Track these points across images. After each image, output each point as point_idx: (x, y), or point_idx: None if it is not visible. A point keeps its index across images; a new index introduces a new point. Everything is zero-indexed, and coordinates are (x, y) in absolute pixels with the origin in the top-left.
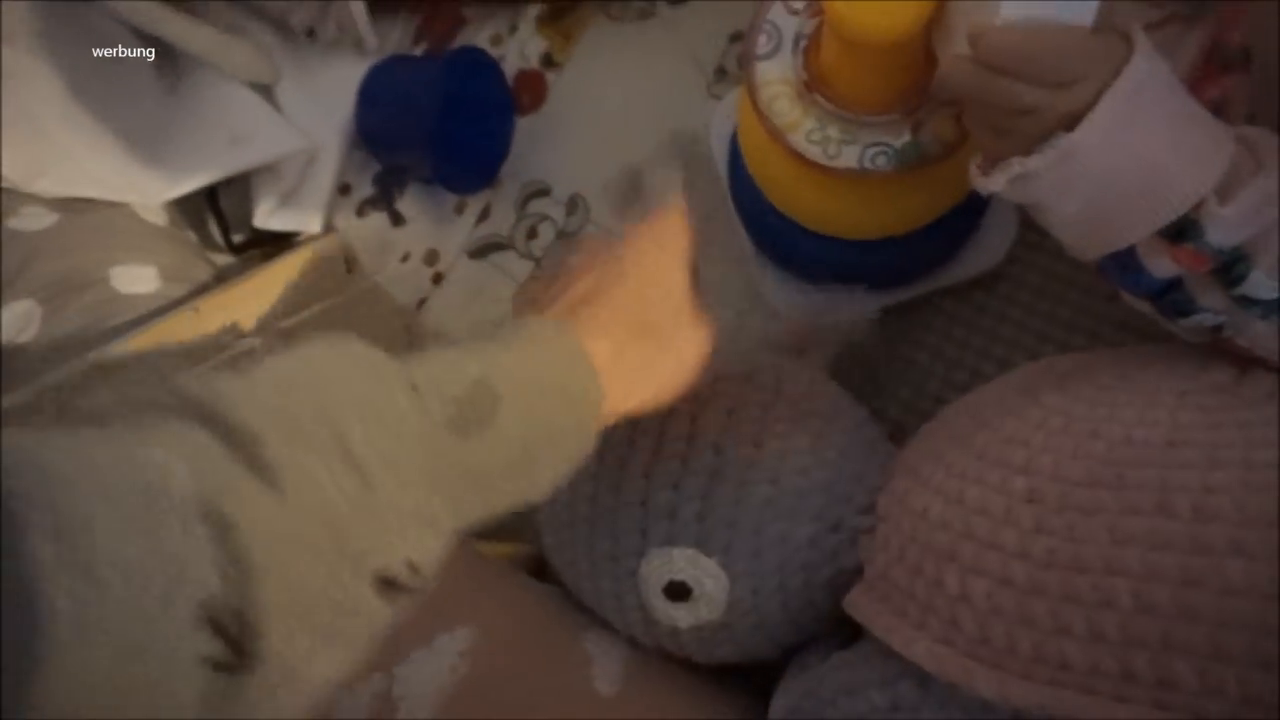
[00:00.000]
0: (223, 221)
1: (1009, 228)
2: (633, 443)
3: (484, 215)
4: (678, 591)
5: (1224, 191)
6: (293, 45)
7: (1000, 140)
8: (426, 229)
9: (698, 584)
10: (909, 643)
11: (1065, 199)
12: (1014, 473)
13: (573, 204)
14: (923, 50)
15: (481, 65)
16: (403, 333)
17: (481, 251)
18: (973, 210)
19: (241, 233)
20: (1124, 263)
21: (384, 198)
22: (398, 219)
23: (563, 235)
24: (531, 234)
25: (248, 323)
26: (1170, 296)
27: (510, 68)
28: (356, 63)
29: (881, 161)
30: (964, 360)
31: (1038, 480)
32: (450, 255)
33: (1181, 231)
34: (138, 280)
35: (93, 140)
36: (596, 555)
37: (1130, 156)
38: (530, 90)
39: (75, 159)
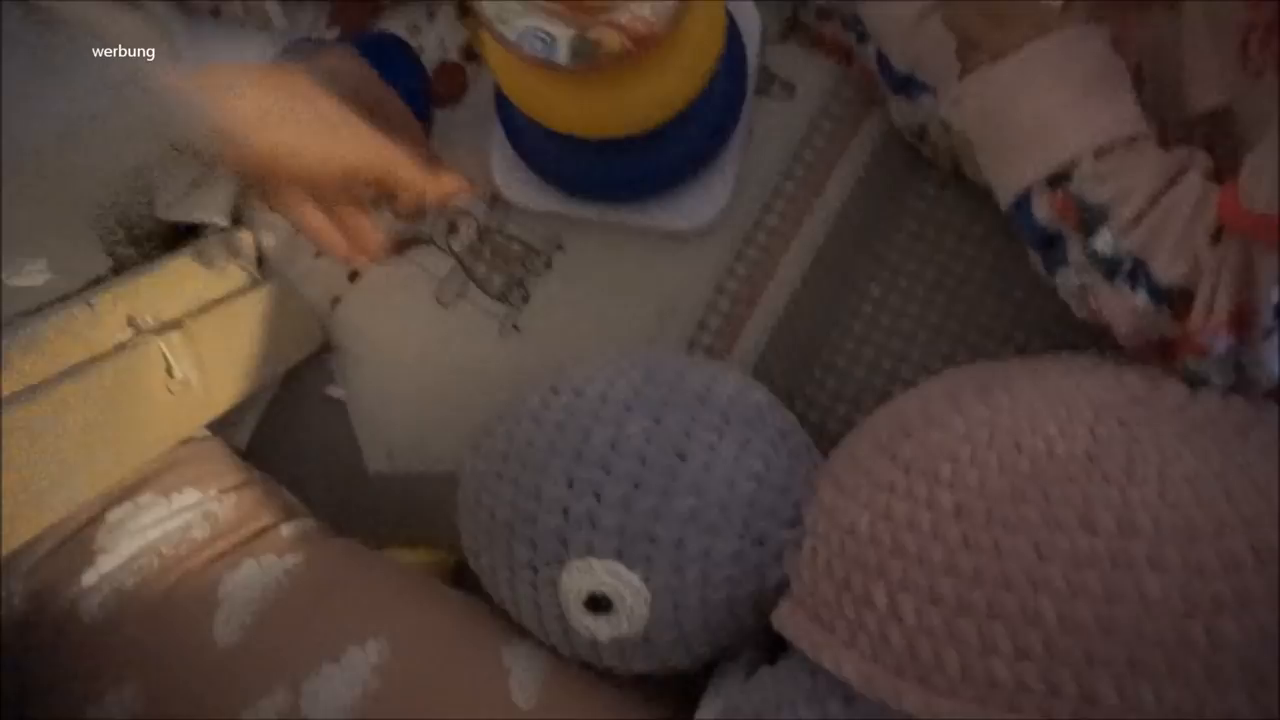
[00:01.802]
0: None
1: (724, 188)
2: (555, 448)
3: None
4: (599, 603)
5: (1101, 154)
6: (194, 22)
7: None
8: None
9: (618, 597)
10: (838, 661)
11: (984, 129)
12: (941, 487)
13: (495, 199)
14: None
15: (399, 53)
16: (316, 332)
17: (399, 247)
18: (672, 146)
19: (142, 225)
20: (1021, 208)
21: None
22: None
23: (485, 231)
24: (452, 229)
25: (146, 317)
26: (1052, 248)
27: (429, 59)
28: (263, 43)
29: (539, 47)
30: (881, 364)
31: (964, 496)
32: None
33: (1058, 179)
34: (26, 273)
35: None
36: (516, 563)
37: (1035, 102)
38: (449, 82)
39: None
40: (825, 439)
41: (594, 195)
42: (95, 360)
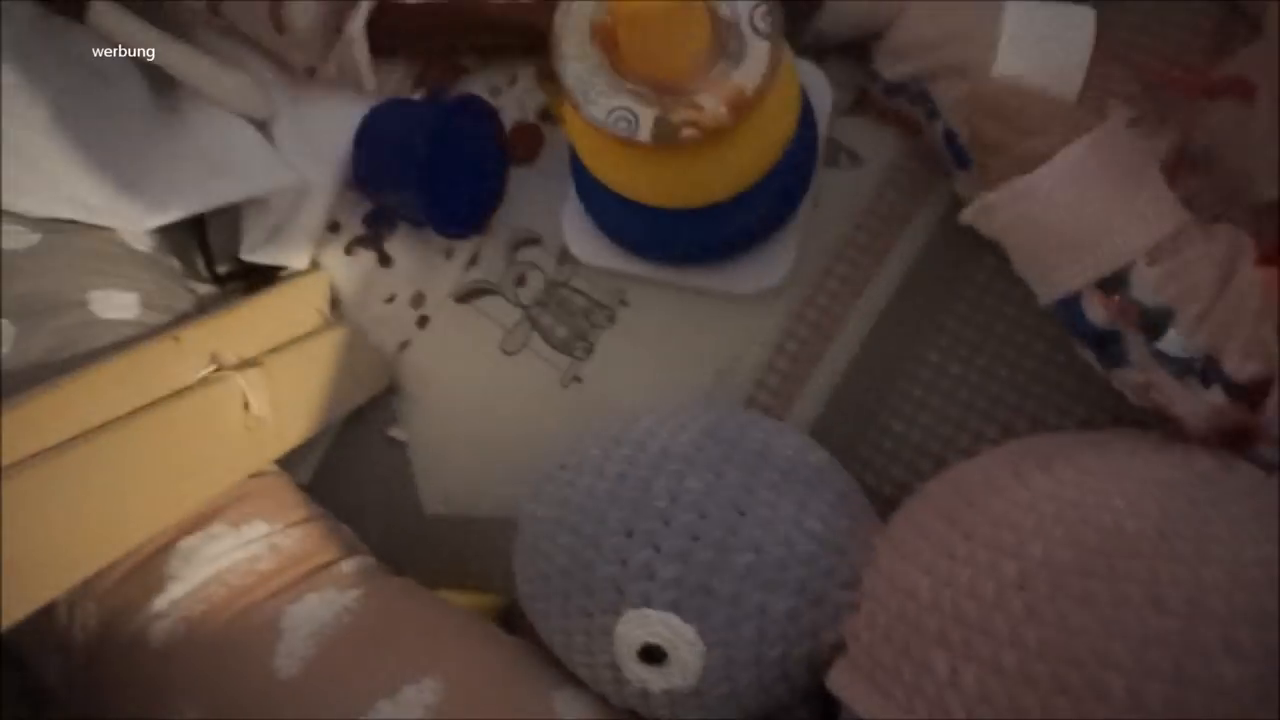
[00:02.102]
0: (207, 251)
1: (787, 256)
2: (615, 498)
3: (473, 261)
4: (652, 654)
5: (1155, 255)
6: (291, 79)
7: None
8: (414, 271)
9: (673, 649)
10: None
11: (1019, 237)
12: (1005, 556)
13: (564, 254)
14: (677, 29)
15: (479, 113)
16: (383, 375)
17: (469, 296)
18: (739, 215)
19: (226, 264)
20: (1070, 306)
21: (373, 237)
22: (386, 259)
23: (551, 285)
24: (520, 281)
25: (228, 354)
26: (1108, 346)
27: (508, 118)
28: (354, 103)
29: (622, 126)
30: (938, 431)
31: (1029, 565)
32: (437, 298)
33: (1112, 283)
34: (118, 306)
35: (78, 163)
36: (571, 609)
37: (1074, 208)
38: (526, 142)
39: (59, 181)
40: (880, 503)
41: (659, 258)
42: (179, 393)
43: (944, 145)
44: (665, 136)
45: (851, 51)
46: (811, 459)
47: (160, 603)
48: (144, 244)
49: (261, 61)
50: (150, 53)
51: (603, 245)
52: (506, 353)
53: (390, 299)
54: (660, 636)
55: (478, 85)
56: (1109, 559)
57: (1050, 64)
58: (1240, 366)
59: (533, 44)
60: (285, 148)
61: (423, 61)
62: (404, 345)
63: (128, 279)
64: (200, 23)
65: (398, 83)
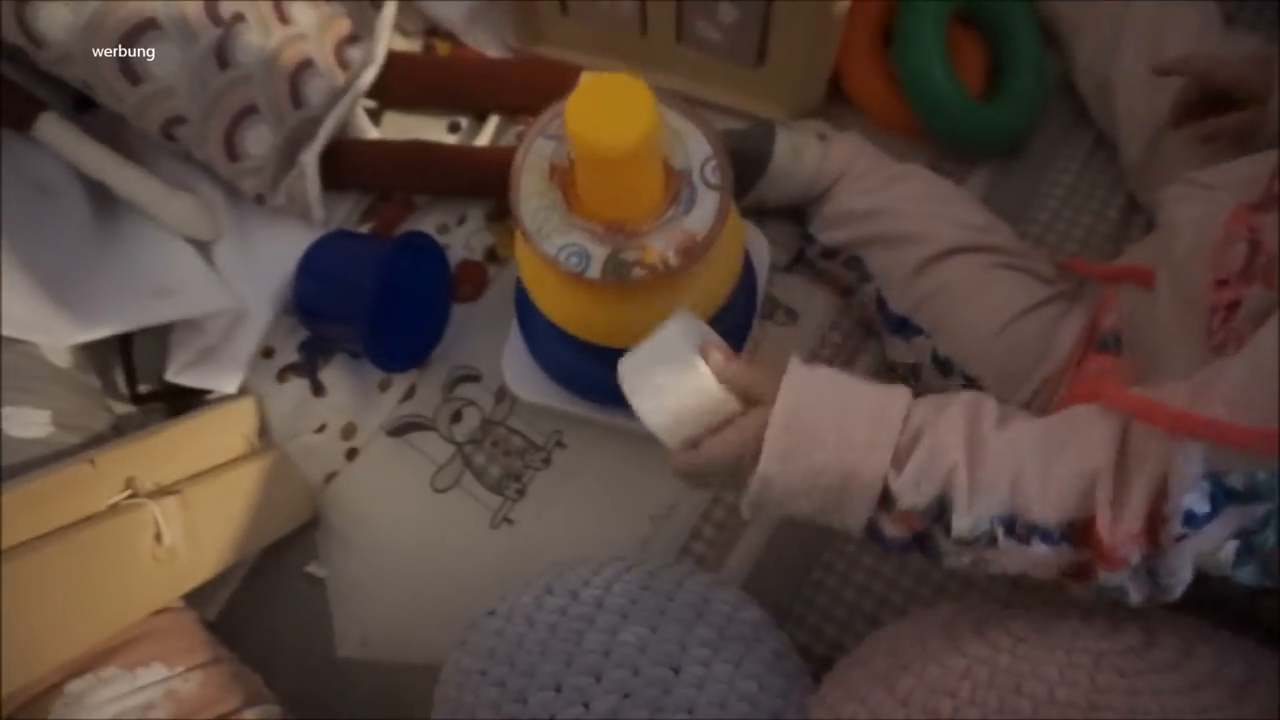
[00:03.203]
0: (131, 370)
1: None
2: (546, 651)
3: (409, 394)
4: None
5: (898, 461)
6: (238, 205)
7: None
8: (347, 402)
9: None
10: None
11: (794, 508)
12: None
13: (501, 392)
14: (633, 175)
15: (427, 250)
16: (307, 507)
17: (401, 430)
18: None
19: (149, 383)
20: (878, 537)
21: (308, 365)
22: (319, 388)
23: (488, 423)
24: (456, 417)
25: (145, 481)
26: (925, 547)
27: (454, 256)
28: (300, 231)
29: (574, 262)
30: (871, 588)
31: None
32: (368, 431)
33: (885, 504)
34: (29, 424)
35: (9, 275)
36: None
37: (811, 466)
38: (471, 280)
39: None
40: (813, 661)
41: (599, 399)
42: (88, 520)
43: (875, 308)
44: (615, 275)
45: (790, 215)
46: (747, 616)
47: None
48: (63, 359)
49: (210, 185)
50: (99, 172)
51: (542, 383)
52: (437, 490)
53: (320, 429)
54: None
55: (427, 222)
56: None
57: (679, 391)
58: (1045, 515)
59: (483, 186)
60: (226, 270)
61: (374, 197)
62: (331, 477)
63: (41, 396)
64: (152, 144)
65: (345, 214)
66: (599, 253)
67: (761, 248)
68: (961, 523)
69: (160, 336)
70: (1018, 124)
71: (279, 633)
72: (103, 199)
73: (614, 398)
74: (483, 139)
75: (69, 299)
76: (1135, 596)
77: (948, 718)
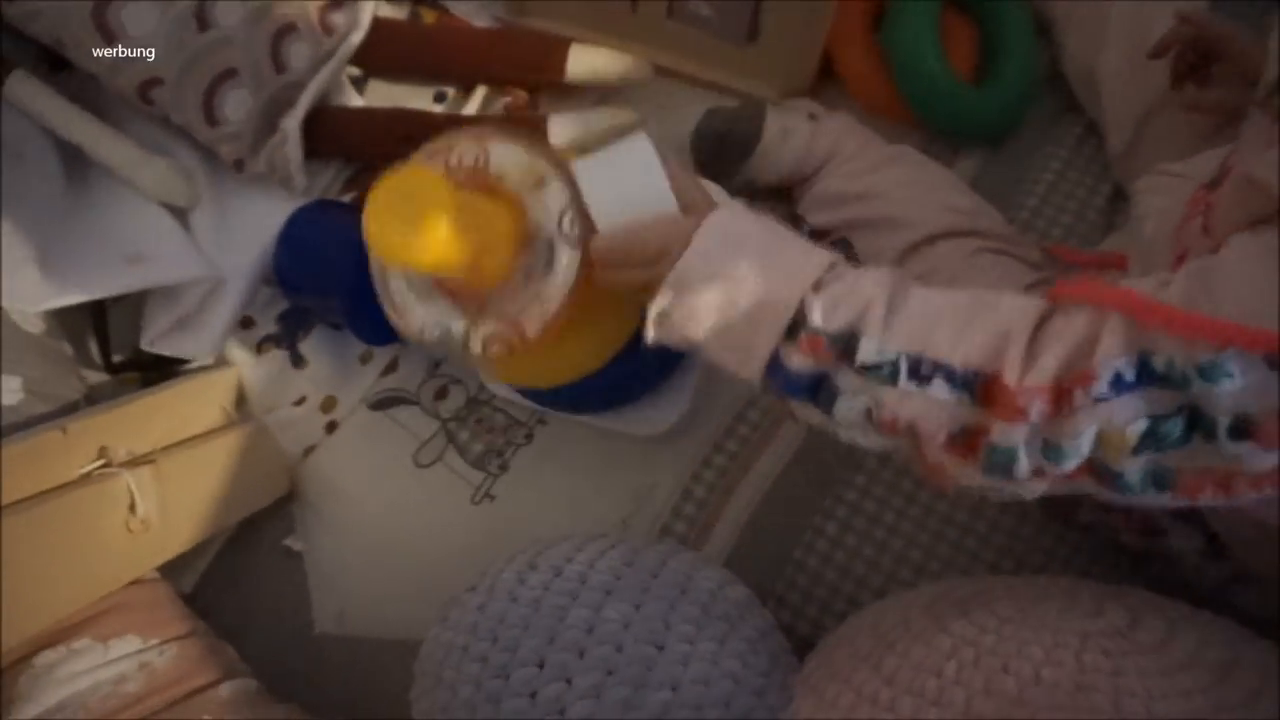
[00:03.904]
0: (104, 338)
1: (682, 399)
2: (529, 626)
3: (391, 368)
4: None
5: (819, 285)
6: (217, 172)
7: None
8: (327, 374)
9: None
10: None
11: (700, 325)
12: (926, 704)
13: None
14: (473, 268)
15: None
16: (284, 481)
17: (383, 404)
18: (610, 381)
19: (123, 352)
20: (776, 372)
21: (287, 337)
22: (299, 360)
23: (473, 400)
24: (441, 394)
25: (119, 450)
26: (822, 391)
27: None
28: (280, 199)
29: (436, 336)
30: (852, 569)
31: (950, 715)
32: (348, 404)
33: (796, 328)
34: None
35: None
36: None
37: (733, 274)
38: None
39: None
40: (794, 641)
41: (560, 408)
42: (60, 489)
43: None
44: (479, 349)
45: (780, 195)
46: (731, 594)
47: None
48: (34, 326)
49: (188, 150)
50: (73, 133)
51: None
52: (420, 465)
53: (300, 401)
54: None
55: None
56: (1028, 709)
57: (638, 198)
58: (953, 356)
59: None
60: (203, 238)
61: (357, 167)
62: (309, 450)
63: (12, 363)
64: (130, 106)
65: (327, 182)
66: (458, 326)
67: None
68: (869, 346)
69: (135, 305)
70: (1007, 110)
71: (255, 607)
72: (76, 162)
73: (572, 408)
74: (469, 110)
75: (40, 264)
76: (1023, 467)
77: (933, 697)
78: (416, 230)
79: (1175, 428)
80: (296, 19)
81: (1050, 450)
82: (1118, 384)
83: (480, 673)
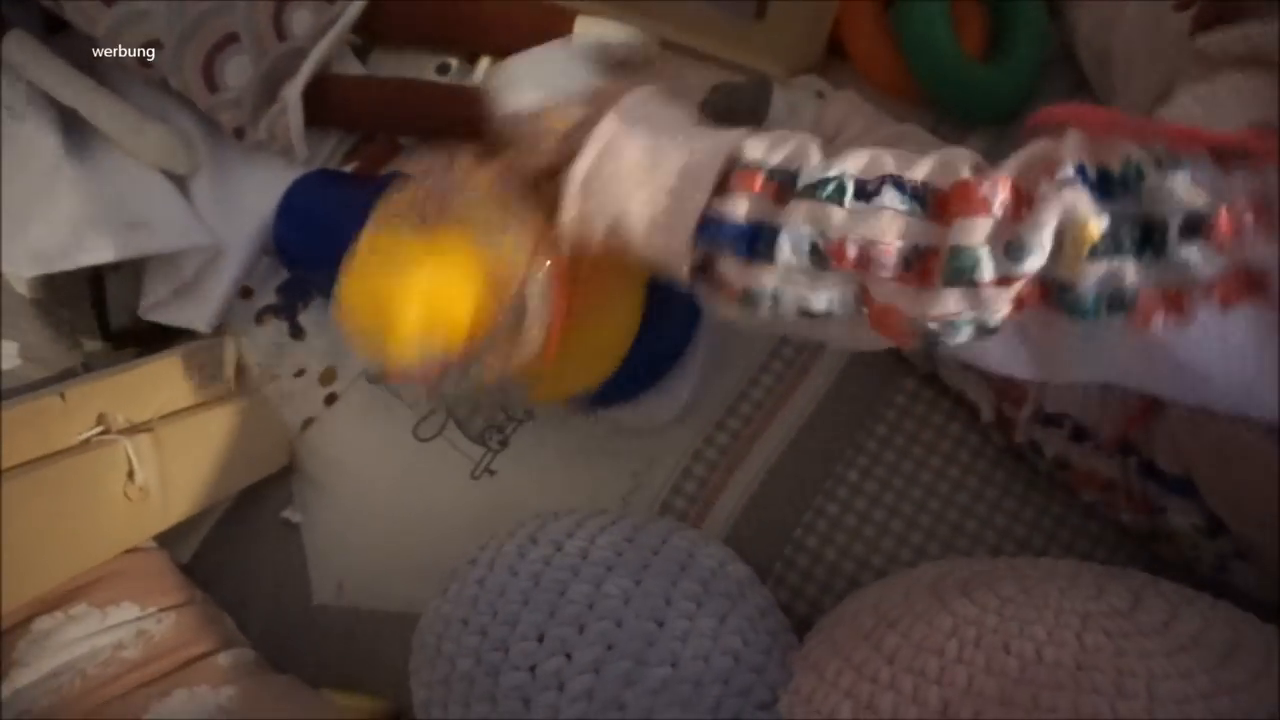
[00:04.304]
0: (102, 305)
1: (684, 390)
2: (529, 600)
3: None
4: None
5: (753, 132)
6: (216, 139)
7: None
8: (327, 346)
9: None
10: None
11: (630, 191)
12: (928, 682)
13: None
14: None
15: None
16: (283, 452)
17: (383, 377)
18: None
19: (121, 320)
20: (712, 229)
21: (287, 308)
22: (298, 331)
23: None
24: None
25: (117, 417)
26: (762, 239)
27: None
28: (281, 168)
29: (458, 385)
30: (852, 550)
31: (952, 693)
32: (348, 377)
33: (731, 167)
34: None
35: None
36: None
37: (659, 130)
38: None
39: None
40: (793, 620)
41: (611, 404)
42: (58, 454)
43: None
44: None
45: None
46: (732, 571)
47: (3, 692)
48: (31, 291)
49: (188, 116)
50: (71, 98)
51: None
52: (419, 439)
53: (299, 373)
54: None
55: (411, 167)
56: (1031, 689)
57: (556, 85)
58: (903, 170)
59: (472, 130)
60: (203, 206)
61: (359, 137)
62: (308, 423)
63: (9, 328)
64: (128, 71)
65: (329, 153)
66: (475, 370)
67: None
68: (813, 164)
69: (134, 273)
70: (1017, 89)
71: (253, 578)
72: (73, 125)
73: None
74: (474, 82)
75: (37, 228)
76: (986, 270)
77: (935, 676)
78: (389, 337)
79: (1133, 233)
80: None
81: (1012, 248)
82: (1082, 175)
83: (479, 645)
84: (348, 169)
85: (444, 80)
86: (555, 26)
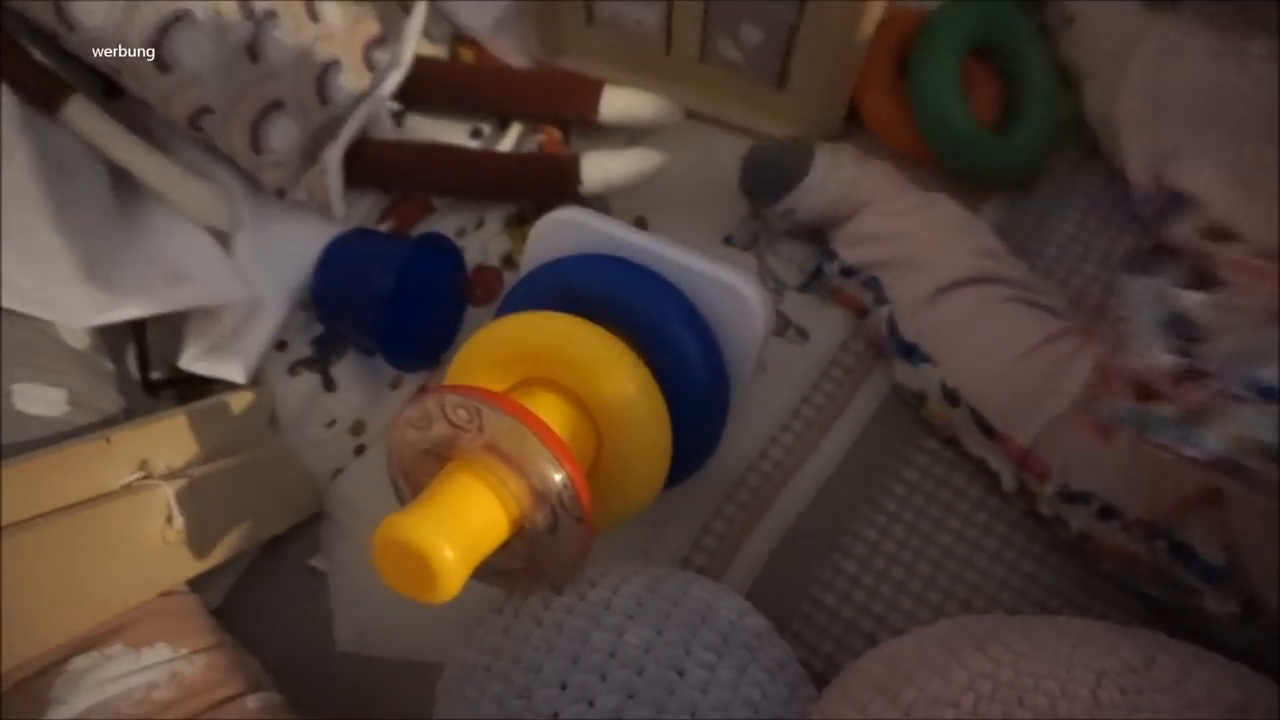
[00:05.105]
0: (144, 356)
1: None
2: (552, 648)
3: (419, 394)
4: None
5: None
6: (258, 197)
7: None
8: (358, 399)
9: None
10: None
11: None
12: None
13: None
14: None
15: (444, 252)
16: (314, 500)
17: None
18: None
19: (161, 370)
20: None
21: (320, 360)
22: (330, 384)
23: None
24: None
25: (158, 463)
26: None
27: (470, 259)
28: (319, 226)
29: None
30: (870, 608)
31: None
32: (377, 428)
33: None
34: (42, 401)
35: (26, 253)
36: None
37: None
38: (485, 285)
39: (4, 268)
40: (810, 675)
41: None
42: (101, 498)
43: (886, 332)
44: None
45: (809, 235)
46: (751, 624)
47: None
48: (79, 341)
49: (231, 175)
50: (120, 155)
51: None
52: None
53: (330, 424)
54: None
55: (445, 224)
56: None
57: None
58: None
59: (503, 191)
60: (243, 262)
61: (395, 196)
62: (338, 473)
63: (57, 374)
64: (176, 132)
65: (365, 212)
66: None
67: (756, 309)
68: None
69: (174, 324)
70: (1029, 156)
71: (279, 624)
72: (124, 183)
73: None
74: (504, 146)
75: (88, 281)
76: None
77: None
78: (428, 587)
79: None
80: (340, 55)
81: None
82: None
83: (502, 692)
84: (383, 227)
85: (476, 144)
86: (584, 96)
